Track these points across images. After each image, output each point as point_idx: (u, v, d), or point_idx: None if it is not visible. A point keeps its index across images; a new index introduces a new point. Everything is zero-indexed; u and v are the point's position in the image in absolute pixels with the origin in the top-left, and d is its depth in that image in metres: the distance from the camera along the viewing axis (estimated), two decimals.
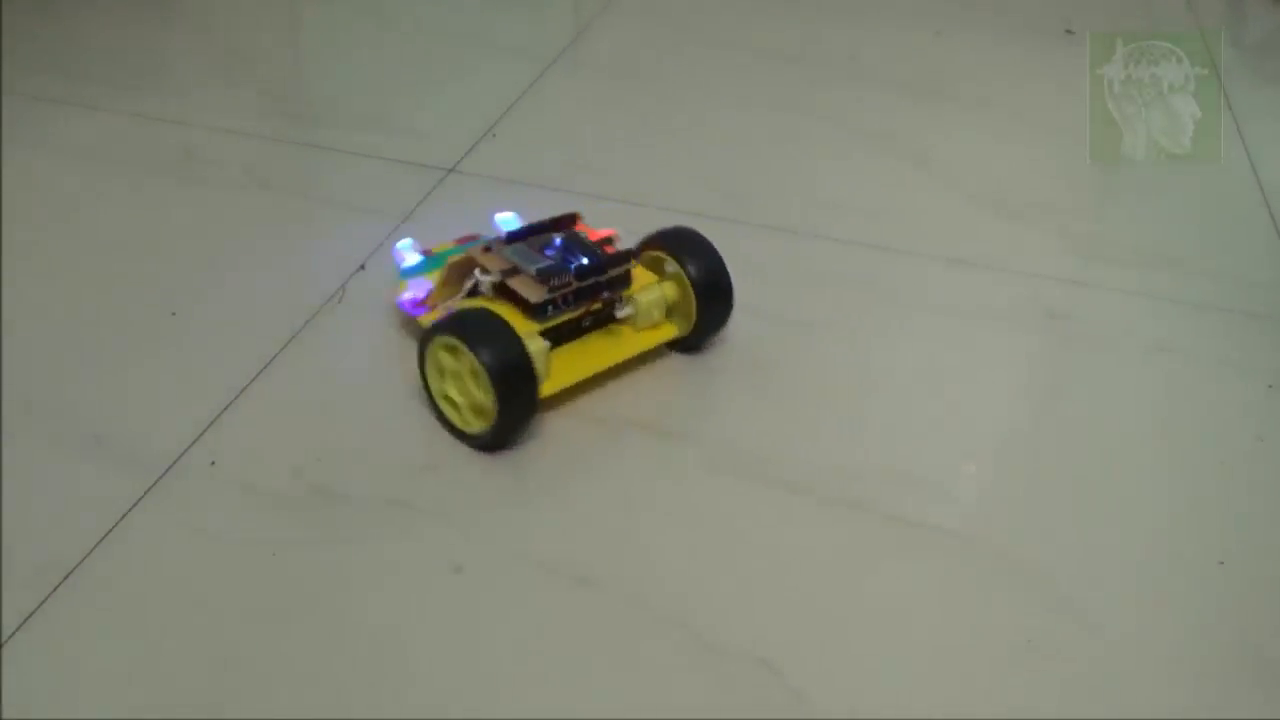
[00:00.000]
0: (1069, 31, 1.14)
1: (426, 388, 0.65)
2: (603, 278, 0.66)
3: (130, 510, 0.60)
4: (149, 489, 0.61)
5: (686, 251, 0.70)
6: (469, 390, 0.63)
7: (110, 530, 0.59)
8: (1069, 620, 0.58)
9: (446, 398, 0.65)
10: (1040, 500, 0.65)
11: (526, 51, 1.08)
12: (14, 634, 0.54)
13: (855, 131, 0.99)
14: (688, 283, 0.69)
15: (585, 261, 0.66)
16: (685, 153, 0.95)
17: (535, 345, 0.63)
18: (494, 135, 0.94)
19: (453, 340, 0.63)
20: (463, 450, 0.64)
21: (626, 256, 0.68)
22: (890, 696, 0.54)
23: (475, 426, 0.64)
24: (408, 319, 0.71)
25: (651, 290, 0.69)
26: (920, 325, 0.77)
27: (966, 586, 0.59)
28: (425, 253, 0.74)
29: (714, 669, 0.54)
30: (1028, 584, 0.59)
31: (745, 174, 0.92)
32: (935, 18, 1.14)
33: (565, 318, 0.66)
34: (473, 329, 0.63)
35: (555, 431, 0.66)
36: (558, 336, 0.66)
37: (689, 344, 0.71)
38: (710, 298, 0.70)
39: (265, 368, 0.69)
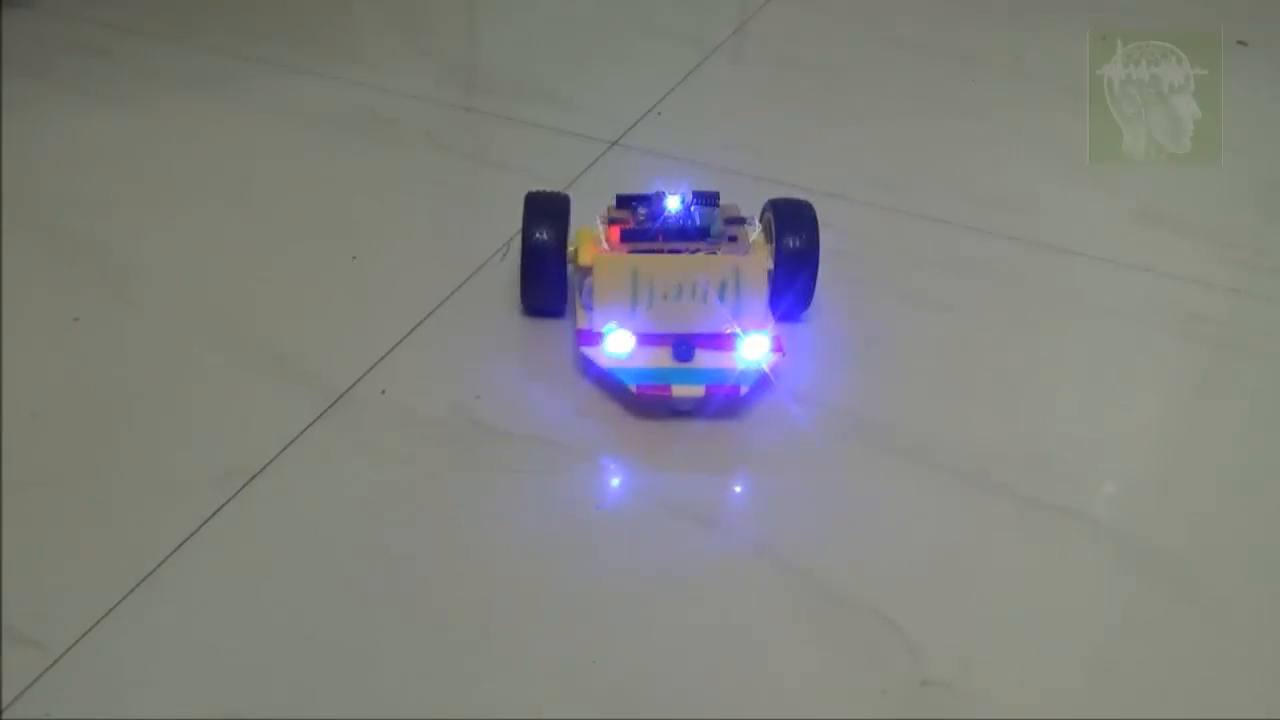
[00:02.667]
0: (1241, 43, 1.13)
1: None
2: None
3: (309, 426, 0.66)
4: (326, 410, 0.67)
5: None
6: None
7: (291, 442, 0.65)
8: (1192, 607, 0.59)
9: None
10: (1175, 492, 0.66)
11: (692, 37, 1.12)
12: (201, 527, 0.60)
13: (1014, 130, 1.00)
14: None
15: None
16: (842, 141, 0.97)
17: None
18: (658, 114, 0.99)
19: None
20: (610, 399, 0.69)
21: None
22: (1004, 660, 0.56)
23: None
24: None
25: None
26: (1063, 318, 0.78)
27: (1094, 568, 0.61)
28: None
29: (834, 617, 0.57)
30: (1156, 572, 0.61)
31: (901, 164, 0.94)
32: (1101, 23, 1.13)
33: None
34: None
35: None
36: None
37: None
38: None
39: (433, 312, 0.75)
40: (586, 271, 0.70)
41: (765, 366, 0.67)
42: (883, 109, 1.03)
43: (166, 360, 0.70)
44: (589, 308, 0.70)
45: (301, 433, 0.65)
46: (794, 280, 0.72)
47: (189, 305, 0.75)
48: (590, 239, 0.71)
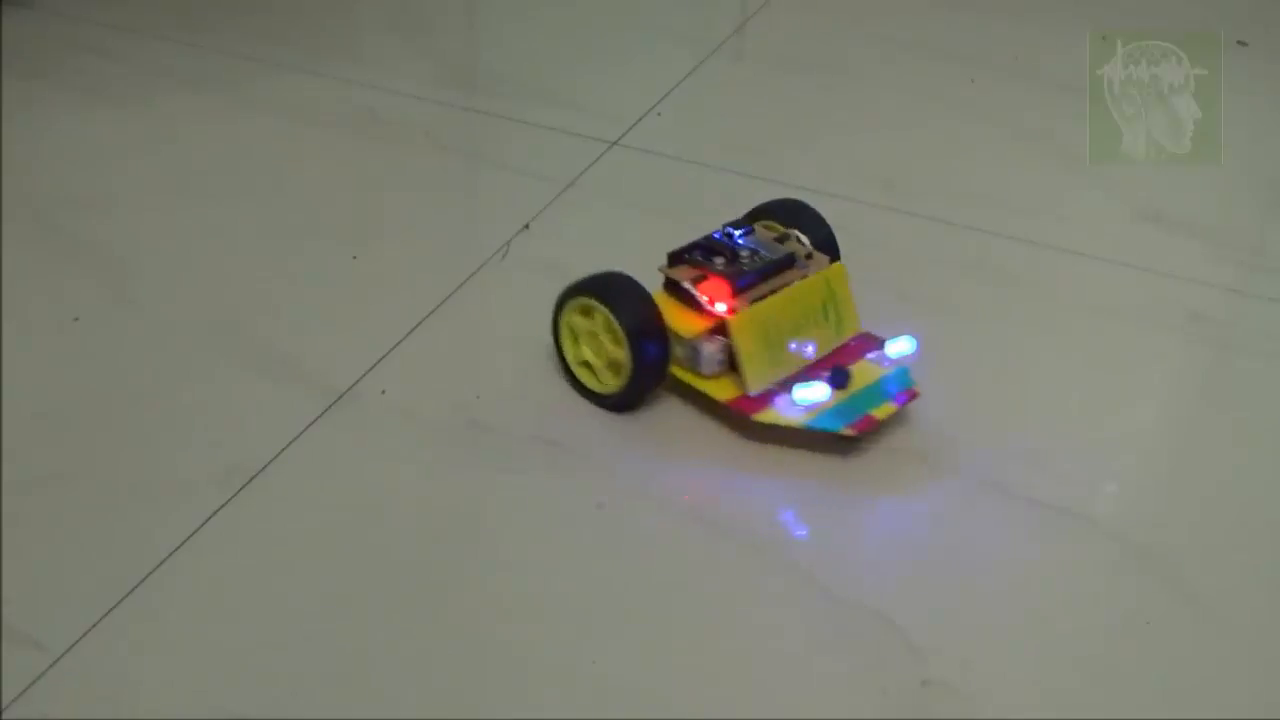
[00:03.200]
0: (1241, 43, 1.13)
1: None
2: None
3: (309, 426, 0.66)
4: (327, 409, 0.67)
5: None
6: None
7: (291, 442, 0.65)
8: (1192, 607, 0.59)
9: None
10: (1175, 493, 0.66)
11: (692, 37, 1.12)
12: (202, 527, 0.60)
13: (1013, 129, 1.00)
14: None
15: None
16: (842, 141, 0.97)
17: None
18: (659, 114, 0.99)
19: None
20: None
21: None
22: (1004, 660, 0.56)
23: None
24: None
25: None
26: (1063, 318, 0.78)
27: (1094, 568, 0.61)
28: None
29: (834, 616, 0.57)
30: (1156, 572, 0.61)
31: (901, 164, 0.94)
32: (1101, 22, 1.14)
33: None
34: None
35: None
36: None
37: None
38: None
39: (434, 311, 0.75)
40: (694, 342, 0.66)
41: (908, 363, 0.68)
42: (883, 109, 1.03)
43: (166, 360, 0.70)
44: (713, 373, 0.66)
45: (301, 433, 0.65)
46: None
47: (189, 305, 0.75)
48: (676, 307, 0.67)
